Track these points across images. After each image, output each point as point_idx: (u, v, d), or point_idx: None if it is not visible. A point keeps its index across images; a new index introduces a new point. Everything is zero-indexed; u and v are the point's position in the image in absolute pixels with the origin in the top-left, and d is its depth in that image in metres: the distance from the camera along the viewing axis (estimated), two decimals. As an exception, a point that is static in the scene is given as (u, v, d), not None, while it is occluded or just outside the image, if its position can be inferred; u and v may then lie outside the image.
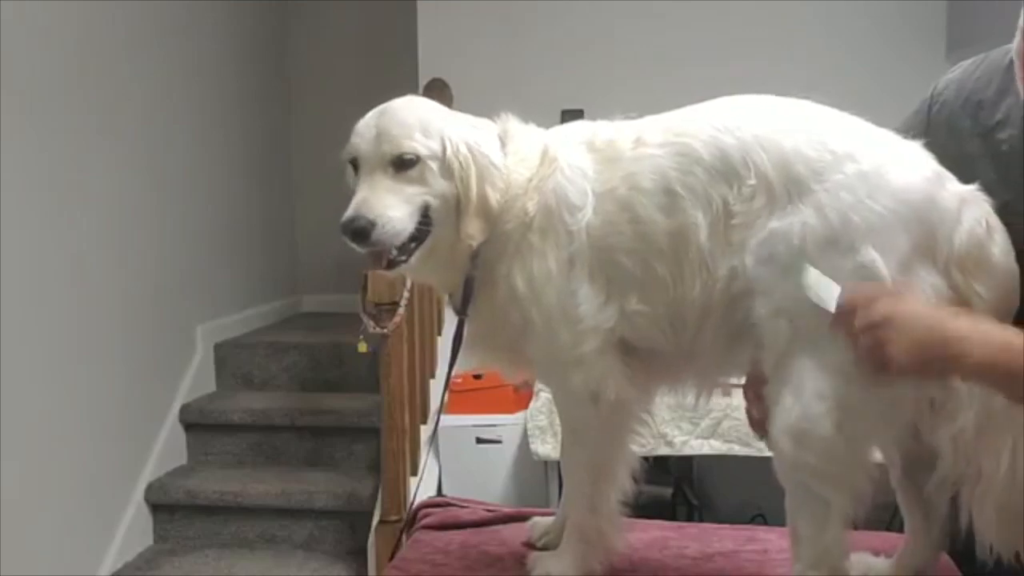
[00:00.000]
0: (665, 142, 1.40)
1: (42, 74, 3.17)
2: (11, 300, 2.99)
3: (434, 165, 1.44)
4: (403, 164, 1.43)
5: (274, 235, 5.12)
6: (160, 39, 3.93)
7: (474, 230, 1.44)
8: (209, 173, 4.36)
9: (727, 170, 1.34)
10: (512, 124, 1.53)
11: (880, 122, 1.39)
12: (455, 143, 1.45)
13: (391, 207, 1.41)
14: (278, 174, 5.19)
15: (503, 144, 1.50)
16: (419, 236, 1.44)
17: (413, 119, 1.45)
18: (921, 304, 1.21)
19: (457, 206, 1.45)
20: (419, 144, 1.43)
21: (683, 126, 1.41)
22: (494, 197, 1.45)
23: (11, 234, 2.99)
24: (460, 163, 1.44)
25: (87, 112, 3.42)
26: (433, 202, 1.44)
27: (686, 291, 1.37)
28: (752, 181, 1.32)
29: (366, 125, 1.46)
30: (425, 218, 1.45)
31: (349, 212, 1.41)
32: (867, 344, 1.18)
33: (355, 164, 1.47)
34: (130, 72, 3.71)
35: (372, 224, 1.39)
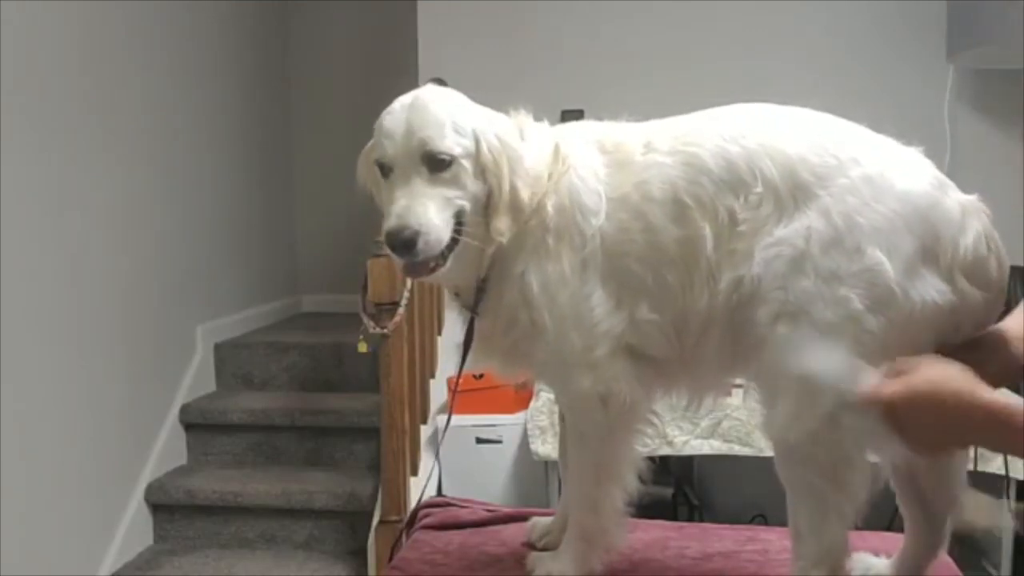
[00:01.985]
0: (673, 150, 1.39)
1: (41, 74, 3.17)
2: (11, 300, 2.99)
3: (467, 164, 1.40)
4: (438, 165, 1.38)
5: (274, 235, 5.12)
6: (160, 39, 3.93)
7: (505, 227, 1.41)
8: (209, 173, 4.36)
9: (733, 180, 1.35)
10: (527, 120, 1.52)
11: (880, 122, 1.40)
12: (488, 137, 1.42)
13: (432, 213, 1.36)
14: (278, 174, 5.19)
15: (521, 138, 1.48)
16: (453, 240, 1.41)
17: (445, 115, 1.40)
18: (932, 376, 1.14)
19: (487, 204, 1.42)
20: (453, 143, 1.38)
21: (691, 135, 1.40)
22: (525, 192, 1.42)
23: (11, 234, 2.99)
24: (494, 158, 1.41)
25: (87, 112, 3.42)
26: (466, 205, 1.40)
27: (693, 300, 1.37)
28: (759, 189, 1.33)
29: (395, 122, 1.40)
30: (458, 221, 1.41)
31: (393, 222, 1.35)
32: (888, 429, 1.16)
33: (383, 165, 1.42)
34: (129, 72, 3.71)
35: (418, 234, 1.34)
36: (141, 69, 3.78)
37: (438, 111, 1.41)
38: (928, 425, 1.12)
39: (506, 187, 1.40)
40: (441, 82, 1.74)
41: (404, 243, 1.34)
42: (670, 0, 3.93)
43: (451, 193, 1.39)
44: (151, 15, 3.83)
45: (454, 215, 1.40)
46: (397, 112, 1.41)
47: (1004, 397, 1.09)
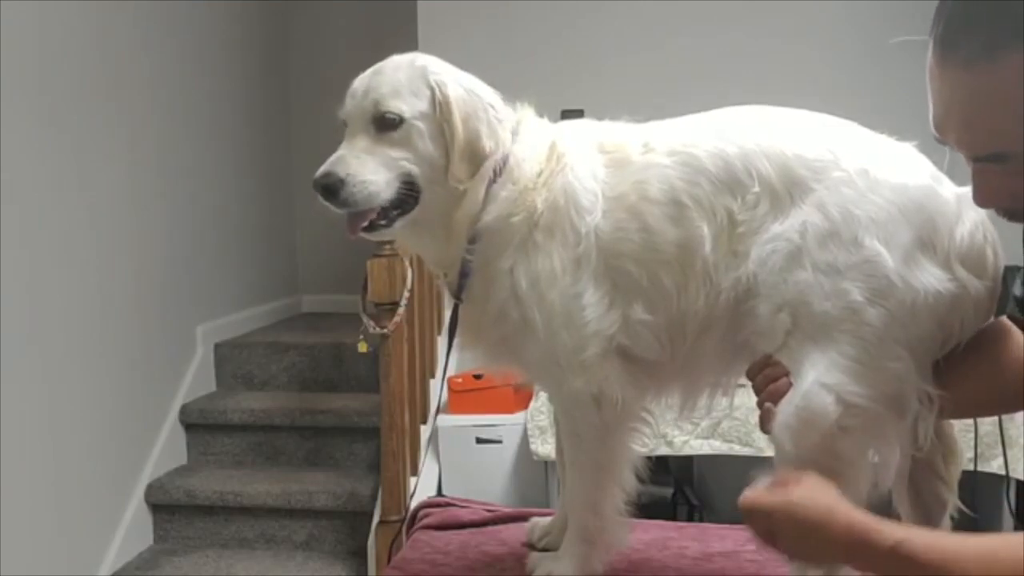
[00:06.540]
0: (672, 151, 1.40)
1: (43, 73, 3.17)
2: (11, 299, 2.98)
3: (422, 126, 1.41)
4: (385, 124, 1.40)
5: (274, 235, 5.12)
6: (160, 39, 3.93)
7: (462, 173, 1.41)
8: (209, 173, 4.36)
9: (731, 181, 1.35)
10: (528, 114, 1.52)
11: (879, 121, 1.40)
12: (445, 84, 1.42)
13: (367, 168, 1.38)
14: (278, 174, 5.19)
15: (516, 132, 1.49)
16: (404, 205, 1.42)
17: (404, 77, 1.42)
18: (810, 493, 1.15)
19: (447, 164, 1.42)
20: (404, 104, 1.40)
21: (689, 135, 1.41)
22: (487, 141, 1.42)
23: (11, 233, 2.99)
24: (446, 99, 1.41)
25: (87, 110, 3.42)
26: (415, 169, 1.41)
27: (689, 303, 1.37)
28: (756, 188, 1.33)
29: (359, 82, 1.44)
30: (412, 186, 1.42)
31: (322, 168, 1.39)
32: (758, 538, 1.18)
33: (344, 123, 1.45)
34: (129, 72, 3.70)
35: (342, 182, 1.37)
36: (140, 68, 3.78)
37: (398, 74, 1.43)
38: (796, 537, 1.13)
39: (460, 132, 1.40)
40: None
41: (325, 188, 1.38)
42: (671, 0, 3.93)
43: (397, 154, 1.40)
44: (152, 15, 3.83)
45: (399, 176, 1.40)
46: (366, 74, 1.45)
47: (868, 518, 1.08)
